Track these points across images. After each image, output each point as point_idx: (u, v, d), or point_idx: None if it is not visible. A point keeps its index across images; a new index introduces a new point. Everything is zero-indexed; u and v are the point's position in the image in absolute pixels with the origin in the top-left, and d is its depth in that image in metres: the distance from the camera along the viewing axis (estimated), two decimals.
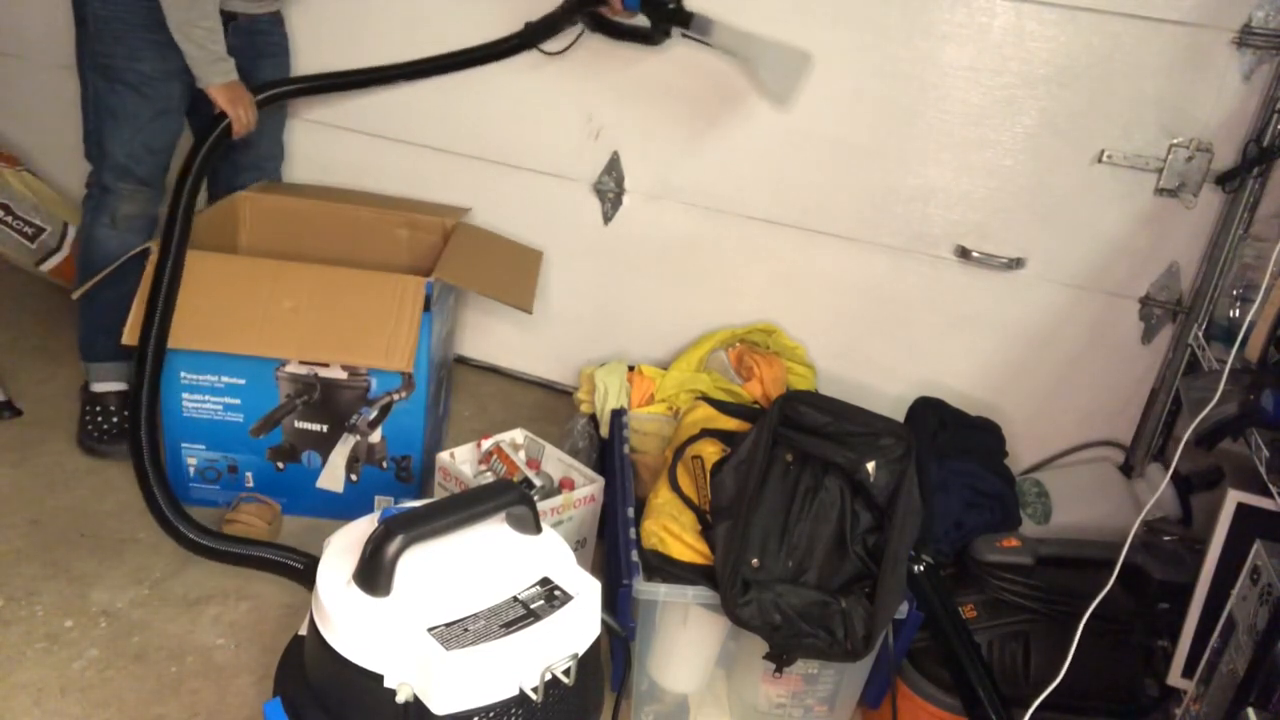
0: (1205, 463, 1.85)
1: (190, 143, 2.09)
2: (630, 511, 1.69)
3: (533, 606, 1.16)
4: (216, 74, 2.03)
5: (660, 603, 1.57)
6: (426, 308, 1.88)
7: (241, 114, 2.08)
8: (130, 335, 1.82)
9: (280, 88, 2.23)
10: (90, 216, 2.11)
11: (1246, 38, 1.91)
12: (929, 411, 2.08)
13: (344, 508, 2.02)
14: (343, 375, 1.92)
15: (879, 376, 2.36)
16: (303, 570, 1.60)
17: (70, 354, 2.45)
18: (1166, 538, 1.74)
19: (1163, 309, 2.14)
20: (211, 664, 1.66)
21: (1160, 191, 2.05)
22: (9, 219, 2.45)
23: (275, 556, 1.63)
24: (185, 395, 1.92)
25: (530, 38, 2.26)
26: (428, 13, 2.39)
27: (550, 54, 2.29)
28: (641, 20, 2.11)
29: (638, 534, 1.64)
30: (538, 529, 1.29)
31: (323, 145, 2.57)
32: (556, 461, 1.99)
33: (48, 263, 2.53)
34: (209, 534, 1.70)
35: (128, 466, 2.03)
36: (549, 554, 1.26)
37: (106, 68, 2.03)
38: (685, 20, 2.04)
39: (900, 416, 2.05)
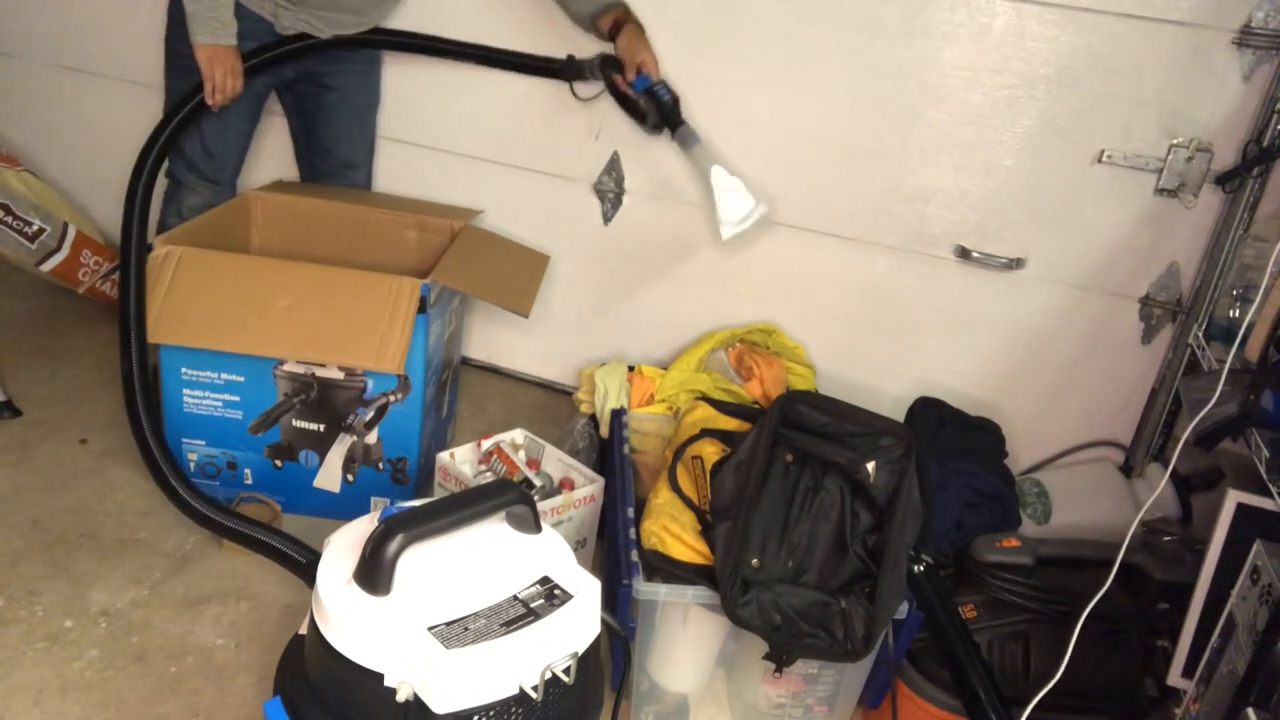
0: (1205, 463, 1.85)
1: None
2: (630, 511, 1.69)
3: (533, 605, 1.16)
4: (202, 31, 1.98)
5: (660, 603, 1.56)
6: (423, 310, 1.88)
7: (218, 76, 2.00)
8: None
9: (271, 51, 2.11)
10: (163, 207, 2.25)
11: (1246, 38, 1.91)
12: (929, 411, 2.09)
13: (341, 508, 2.02)
14: (339, 375, 1.92)
15: (879, 376, 2.36)
16: (305, 565, 1.60)
17: (70, 354, 2.45)
18: (1166, 538, 1.74)
19: (1163, 309, 2.14)
20: (211, 664, 1.66)
21: (1160, 191, 2.06)
22: (9, 219, 2.45)
23: (282, 546, 1.64)
24: (186, 391, 1.93)
25: (565, 71, 2.26)
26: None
27: (580, 99, 2.29)
28: (645, 104, 2.12)
29: (638, 534, 1.63)
30: (538, 528, 1.28)
31: None
32: (556, 461, 1.99)
33: (48, 263, 2.52)
34: (221, 509, 1.72)
35: (128, 467, 2.04)
36: (549, 553, 1.26)
37: (177, 66, 2.08)
38: (675, 125, 2.06)
39: (900, 416, 2.06)
